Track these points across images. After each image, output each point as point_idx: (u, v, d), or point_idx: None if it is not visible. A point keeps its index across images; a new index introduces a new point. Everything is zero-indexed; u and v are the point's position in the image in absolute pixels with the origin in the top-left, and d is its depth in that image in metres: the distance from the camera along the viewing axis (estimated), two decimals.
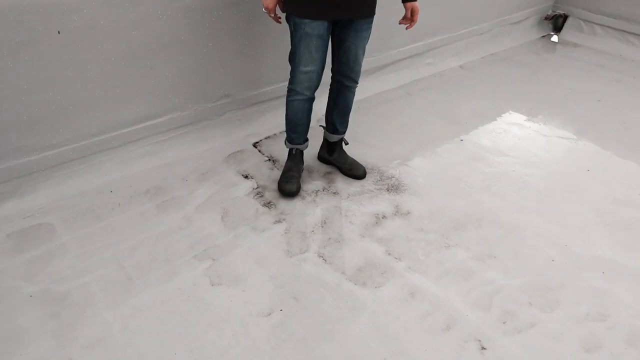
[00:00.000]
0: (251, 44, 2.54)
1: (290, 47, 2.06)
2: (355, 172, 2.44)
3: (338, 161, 2.47)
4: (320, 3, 1.89)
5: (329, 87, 2.28)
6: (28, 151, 2.09)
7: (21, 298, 1.75)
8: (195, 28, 2.31)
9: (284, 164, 2.45)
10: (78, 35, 1.97)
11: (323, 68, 2.10)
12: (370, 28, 2.08)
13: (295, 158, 2.38)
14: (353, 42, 2.06)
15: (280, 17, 2.04)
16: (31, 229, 2.04)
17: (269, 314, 1.74)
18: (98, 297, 1.77)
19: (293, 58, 2.07)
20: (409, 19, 2.10)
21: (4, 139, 2.00)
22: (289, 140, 2.35)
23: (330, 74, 2.25)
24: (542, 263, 2.00)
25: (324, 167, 2.52)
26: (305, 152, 2.46)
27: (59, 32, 1.92)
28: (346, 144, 2.47)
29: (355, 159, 2.49)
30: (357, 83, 2.23)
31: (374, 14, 2.03)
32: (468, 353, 1.63)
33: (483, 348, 1.65)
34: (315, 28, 1.94)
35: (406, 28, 2.15)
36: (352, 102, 2.30)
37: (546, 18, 4.53)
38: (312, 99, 2.18)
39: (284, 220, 2.17)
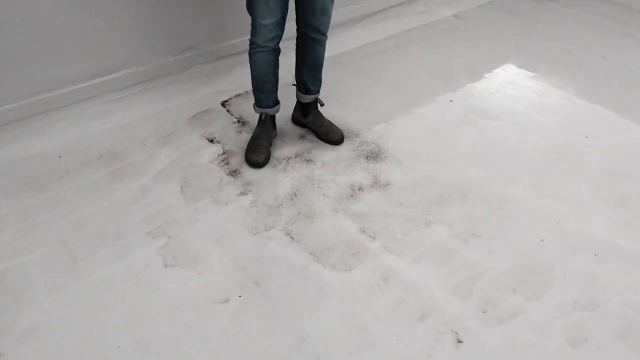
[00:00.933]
0: None
1: None
2: (331, 136, 2.21)
3: (313, 124, 2.24)
4: None
5: (295, 41, 2.02)
6: None
7: None
8: None
9: (254, 126, 2.22)
10: None
11: (285, 17, 1.84)
12: None
13: (265, 124, 2.15)
14: None
15: None
16: None
17: (227, 301, 1.58)
18: (37, 280, 1.59)
19: (250, 8, 1.81)
20: None
21: None
22: (257, 103, 2.11)
23: (295, 27, 1.97)
24: (530, 244, 1.83)
25: (299, 130, 2.30)
26: (278, 115, 2.22)
27: None
28: (322, 104, 2.23)
29: (332, 121, 2.26)
30: (326, 36, 1.97)
31: None
32: (443, 347, 1.49)
33: (459, 341, 1.50)
34: None
35: None
36: (322, 57, 2.05)
37: None
38: (277, 51, 1.94)
39: (250, 191, 1.97)
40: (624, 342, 1.53)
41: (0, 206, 1.83)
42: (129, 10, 2.04)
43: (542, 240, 1.85)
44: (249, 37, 2.42)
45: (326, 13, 1.87)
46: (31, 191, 1.89)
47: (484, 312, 1.59)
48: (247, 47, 2.20)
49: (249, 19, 1.86)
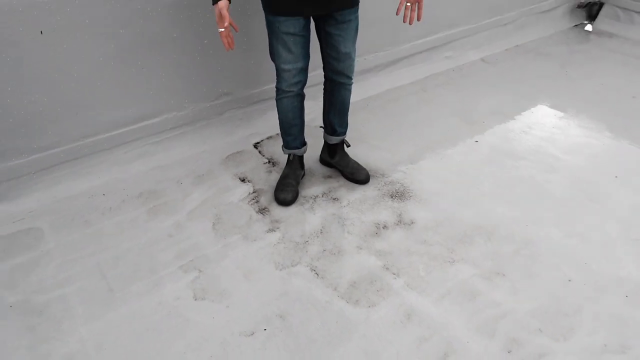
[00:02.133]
0: (250, 40, 2.41)
1: None
2: (357, 176, 2.29)
3: (340, 164, 2.32)
4: (291, 2, 1.76)
5: (323, 85, 2.14)
6: (16, 154, 2.04)
7: (1, 308, 1.70)
8: (188, 24, 2.20)
9: (283, 165, 2.33)
10: (62, 35, 1.89)
11: (307, 63, 1.97)
12: (355, 19, 1.91)
13: (293, 164, 2.25)
14: (338, 35, 1.90)
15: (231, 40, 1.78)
16: (19, 233, 2.00)
17: (252, 334, 1.63)
18: (77, 310, 1.70)
19: (274, 56, 1.95)
20: (414, 3, 1.85)
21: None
22: (285, 145, 2.23)
23: (323, 72, 2.10)
24: (557, 284, 1.81)
25: (326, 170, 2.39)
26: (306, 155, 2.32)
27: (41, 33, 1.84)
28: (348, 145, 2.32)
29: (358, 162, 2.34)
30: (352, 79, 2.07)
31: (357, 3, 1.88)
32: None
33: None
34: (289, 26, 1.81)
35: (410, 22, 1.92)
36: (349, 100, 2.15)
37: (579, 6, 4.20)
38: (301, 96, 2.06)
39: (277, 228, 2.05)
40: None
41: (48, 240, 1.97)
42: (170, 60, 2.23)
43: (569, 280, 1.83)
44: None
45: (349, 57, 1.99)
46: (76, 226, 2.04)
47: (508, 352, 1.57)
48: None
49: None
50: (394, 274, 1.84)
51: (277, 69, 1.97)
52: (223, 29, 1.73)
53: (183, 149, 2.44)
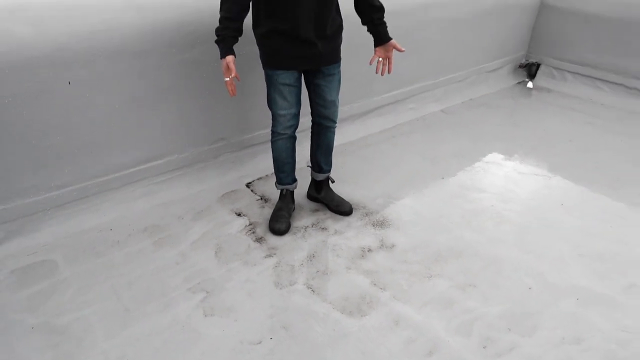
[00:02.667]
0: (243, 92, 2.74)
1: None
2: (342, 208, 2.58)
3: (325, 199, 2.61)
4: (289, 56, 2.11)
5: (310, 129, 2.46)
6: (35, 191, 2.22)
7: (23, 330, 1.83)
8: (193, 77, 2.51)
9: (275, 202, 2.59)
10: (87, 85, 2.16)
11: (299, 108, 2.29)
12: (339, 72, 2.29)
13: (285, 198, 2.52)
14: (325, 86, 2.26)
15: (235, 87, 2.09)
16: (35, 265, 2.15)
17: (260, 342, 1.82)
18: (96, 328, 1.85)
19: (271, 104, 2.26)
20: (385, 58, 2.29)
21: (15, 179, 2.14)
22: (278, 181, 2.51)
23: (311, 118, 2.43)
24: (520, 291, 2.12)
25: (313, 205, 2.66)
26: (295, 191, 2.60)
27: (69, 83, 2.10)
28: (332, 182, 2.62)
29: (342, 196, 2.64)
30: (336, 123, 2.41)
31: (340, 59, 2.26)
32: None
33: None
34: (286, 78, 2.16)
35: (382, 74, 2.32)
36: (333, 141, 2.48)
37: (520, 66, 4.84)
38: (294, 138, 2.36)
39: (274, 254, 2.28)
40: None
41: (63, 270, 2.13)
42: (176, 108, 2.51)
43: (530, 288, 2.13)
44: (267, 130, 2.89)
45: (334, 104, 2.34)
46: (88, 257, 2.21)
47: (484, 348, 1.83)
48: (267, 138, 2.65)
49: (267, 114, 2.31)
50: (381, 288, 2.10)
51: (273, 115, 2.29)
52: (228, 79, 2.05)
53: (183, 188, 2.67)
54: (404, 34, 3.49)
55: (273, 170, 2.53)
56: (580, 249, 2.39)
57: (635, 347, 1.85)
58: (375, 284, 2.12)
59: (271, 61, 2.15)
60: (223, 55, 2.03)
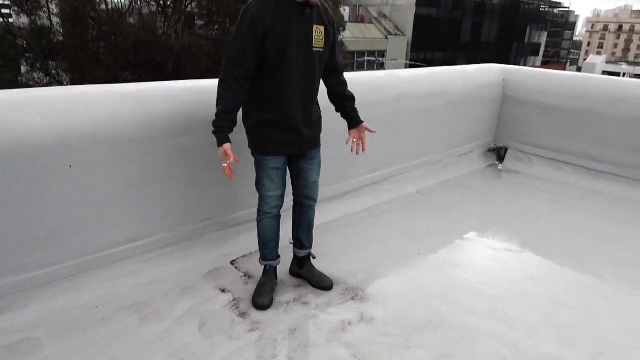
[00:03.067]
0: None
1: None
2: (323, 284, 2.68)
3: (307, 274, 2.72)
4: (277, 144, 2.35)
5: (292, 209, 2.64)
6: (26, 269, 2.30)
7: None
8: (184, 162, 2.72)
9: (258, 278, 2.68)
10: (87, 169, 2.34)
11: (284, 190, 2.49)
12: (319, 156, 2.53)
13: (269, 274, 2.63)
14: (308, 168, 2.50)
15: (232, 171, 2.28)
16: (19, 343, 2.17)
17: None
18: None
19: (259, 186, 2.45)
20: (359, 139, 2.56)
21: (8, 257, 2.23)
22: (263, 257, 2.63)
23: (293, 198, 2.61)
24: None
25: (295, 281, 2.76)
26: (278, 268, 2.71)
27: (70, 166, 2.28)
28: (314, 258, 2.75)
29: (323, 272, 2.75)
30: (316, 201, 2.61)
31: (320, 144, 2.52)
32: None
33: None
34: (275, 162, 2.38)
35: (357, 153, 2.57)
36: (313, 219, 2.65)
37: (489, 150, 5.20)
38: (279, 217, 2.53)
39: (257, 329, 2.34)
40: None
41: (45, 347, 2.15)
42: (165, 190, 2.68)
43: (504, 358, 2.21)
44: (250, 209, 3.06)
45: (315, 185, 2.55)
46: (73, 335, 2.24)
47: None
48: (250, 218, 2.79)
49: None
50: (361, 359, 2.16)
51: (261, 196, 2.47)
52: (226, 164, 2.24)
53: (170, 265, 2.76)
54: (381, 122, 3.79)
55: (256, 248, 2.66)
56: (551, 320, 2.50)
57: None
58: (355, 356, 2.18)
59: (262, 149, 2.37)
60: (220, 144, 2.23)
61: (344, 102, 2.53)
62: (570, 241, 3.38)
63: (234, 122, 2.29)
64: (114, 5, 16.14)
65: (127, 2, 16.50)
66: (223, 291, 2.64)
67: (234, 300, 2.56)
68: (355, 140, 2.59)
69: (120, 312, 2.41)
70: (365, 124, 2.57)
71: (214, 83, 2.83)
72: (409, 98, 4.06)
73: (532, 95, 4.92)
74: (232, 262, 2.93)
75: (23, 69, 16.85)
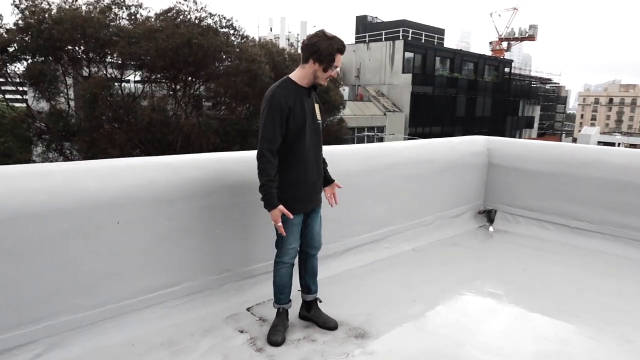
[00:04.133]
0: (246, 231, 3.41)
1: (275, 235, 2.91)
2: (328, 324, 3.05)
3: (315, 316, 3.10)
4: (301, 203, 2.86)
5: (298, 258, 3.07)
6: (76, 310, 2.70)
7: None
8: (208, 220, 3.21)
9: (271, 322, 3.06)
10: (130, 225, 2.83)
11: (300, 242, 2.95)
12: (320, 211, 3.03)
13: (281, 315, 3.02)
14: (314, 222, 3.00)
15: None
16: None
17: None
18: None
19: (282, 242, 2.89)
20: (331, 194, 3.09)
21: (61, 298, 2.64)
22: (278, 301, 3.02)
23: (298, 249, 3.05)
24: None
25: (304, 323, 3.14)
26: (289, 312, 3.10)
27: (118, 222, 2.77)
28: (320, 301, 3.14)
29: (328, 315, 3.13)
30: (319, 250, 3.08)
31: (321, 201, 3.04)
32: None
33: None
34: (297, 219, 2.87)
35: (332, 205, 3.08)
36: (317, 265, 3.11)
37: (480, 212, 5.68)
38: (293, 265, 2.97)
39: (272, 359, 2.71)
40: None
41: None
42: (192, 244, 3.14)
43: None
44: (265, 262, 3.49)
45: (319, 235, 3.04)
46: None
47: None
48: (265, 270, 3.22)
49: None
50: None
51: (282, 248, 2.91)
52: (281, 223, 2.73)
53: (194, 310, 3.15)
54: (377, 187, 4.37)
55: (269, 297, 3.08)
56: (530, 346, 2.85)
57: None
58: None
59: (289, 208, 2.79)
60: (274, 207, 2.70)
61: (325, 164, 3.11)
62: (553, 289, 3.76)
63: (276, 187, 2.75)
64: (129, 90, 17.44)
65: (141, 87, 17.85)
66: (241, 332, 3.01)
67: (251, 339, 2.93)
68: (329, 195, 3.11)
69: (154, 349, 2.78)
70: (336, 182, 3.12)
71: (233, 155, 3.44)
72: (401, 165, 4.62)
73: (514, 162, 5.50)
74: (248, 309, 3.32)
75: (40, 149, 17.90)
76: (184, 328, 3.01)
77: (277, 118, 2.70)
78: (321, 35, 2.74)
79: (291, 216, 2.75)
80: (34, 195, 2.54)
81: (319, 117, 2.92)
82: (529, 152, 5.47)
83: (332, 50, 2.72)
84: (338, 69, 2.82)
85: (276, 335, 2.88)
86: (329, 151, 3.99)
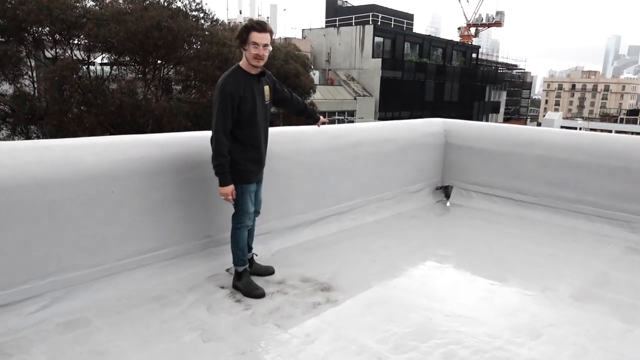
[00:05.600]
0: (224, 202, 3.80)
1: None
2: (269, 270, 3.65)
3: (255, 270, 3.61)
4: (253, 174, 3.29)
5: None
6: (77, 268, 3.08)
7: (74, 354, 2.57)
8: (190, 191, 3.60)
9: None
10: (124, 194, 3.21)
11: None
12: None
13: (246, 274, 3.44)
14: (260, 190, 3.48)
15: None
16: (75, 320, 2.92)
17: (243, 353, 2.63)
18: (125, 349, 2.62)
19: (243, 207, 3.32)
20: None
21: (65, 259, 3.01)
22: (242, 263, 3.42)
23: None
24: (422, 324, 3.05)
25: (277, 278, 3.60)
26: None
27: (112, 192, 3.14)
28: (256, 255, 3.68)
29: (298, 275, 3.61)
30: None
31: None
32: None
33: None
34: (252, 187, 3.33)
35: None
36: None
37: (437, 188, 6.23)
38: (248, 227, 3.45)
39: (250, 308, 3.17)
40: None
41: (94, 323, 2.90)
42: (178, 212, 3.54)
43: (430, 319, 3.07)
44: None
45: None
46: (113, 315, 3.00)
47: None
48: None
49: None
50: (328, 323, 2.99)
51: (243, 213, 3.33)
52: (231, 197, 3.16)
53: (179, 270, 3.56)
54: (343, 164, 4.83)
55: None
56: (469, 292, 3.39)
57: None
58: (323, 321, 3.01)
59: (245, 179, 3.25)
60: (227, 184, 3.13)
61: (302, 111, 3.64)
62: (494, 252, 4.33)
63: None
64: (96, 73, 17.24)
65: (109, 70, 17.67)
66: (222, 287, 3.45)
67: (230, 293, 3.38)
68: (321, 123, 3.83)
69: (146, 301, 3.19)
70: (322, 118, 3.80)
71: (209, 134, 3.81)
72: (364, 144, 5.09)
73: (469, 142, 6.05)
74: (227, 270, 3.75)
75: (4, 132, 17.57)
76: (171, 285, 3.42)
77: (229, 106, 3.07)
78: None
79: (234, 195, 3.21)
80: (38, 167, 2.88)
81: (267, 98, 3.33)
82: (481, 133, 6.03)
83: (243, 30, 3.06)
84: (266, 48, 3.05)
85: (257, 289, 3.34)
86: (299, 131, 4.44)
